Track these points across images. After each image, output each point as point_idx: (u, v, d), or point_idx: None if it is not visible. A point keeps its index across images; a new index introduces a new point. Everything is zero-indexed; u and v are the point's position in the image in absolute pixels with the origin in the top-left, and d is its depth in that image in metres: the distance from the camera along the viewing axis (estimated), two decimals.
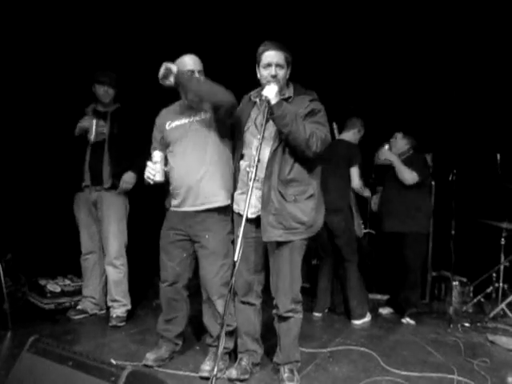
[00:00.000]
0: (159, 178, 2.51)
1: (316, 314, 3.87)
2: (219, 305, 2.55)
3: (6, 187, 3.74)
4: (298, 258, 2.42)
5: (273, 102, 2.22)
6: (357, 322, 3.71)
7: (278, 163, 2.33)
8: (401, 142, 3.91)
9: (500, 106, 4.33)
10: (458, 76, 4.40)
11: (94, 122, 3.24)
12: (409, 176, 3.71)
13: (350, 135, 3.93)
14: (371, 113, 4.60)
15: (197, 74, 2.54)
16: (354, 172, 3.78)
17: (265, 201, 2.34)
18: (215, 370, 1.90)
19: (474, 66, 4.30)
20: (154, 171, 2.49)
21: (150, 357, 2.62)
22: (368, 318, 3.78)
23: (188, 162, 2.54)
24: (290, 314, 2.42)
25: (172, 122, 2.63)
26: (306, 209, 2.37)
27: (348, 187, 3.81)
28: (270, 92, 2.23)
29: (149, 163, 2.53)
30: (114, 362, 2.00)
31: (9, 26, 3.70)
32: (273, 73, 2.32)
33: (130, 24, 4.22)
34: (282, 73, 2.34)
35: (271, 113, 2.24)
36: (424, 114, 4.52)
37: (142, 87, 4.00)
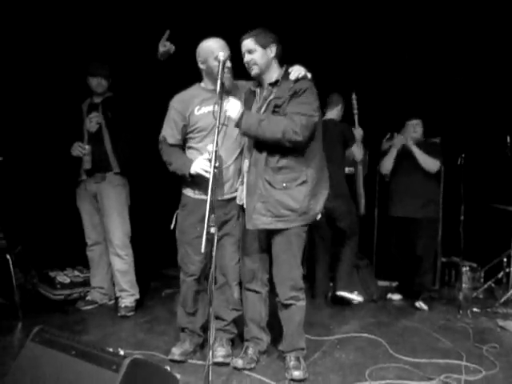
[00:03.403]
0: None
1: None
2: (236, 290, 2.60)
3: (14, 181, 3.78)
4: (295, 246, 2.38)
5: (233, 119, 2.27)
6: (340, 293, 3.73)
7: (266, 150, 2.30)
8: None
9: (509, 86, 4.23)
10: (465, 57, 4.30)
11: (87, 148, 3.29)
12: (434, 165, 3.73)
13: (336, 113, 3.84)
14: (377, 98, 4.54)
15: (228, 64, 2.41)
16: (355, 149, 3.76)
17: (251, 188, 2.33)
18: (210, 357, 1.90)
19: (482, 46, 4.20)
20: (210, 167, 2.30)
21: (176, 351, 2.58)
22: (350, 295, 3.77)
23: (229, 148, 2.49)
24: (290, 302, 2.41)
25: (201, 107, 2.49)
26: (297, 195, 2.30)
27: (343, 170, 3.79)
28: (232, 110, 2.27)
29: (204, 158, 2.37)
30: (121, 351, 2.02)
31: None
32: (245, 60, 2.36)
33: (122, 14, 4.18)
34: (254, 56, 2.33)
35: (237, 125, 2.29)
36: (431, 97, 4.44)
37: (135, 75, 3.99)
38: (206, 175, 2.31)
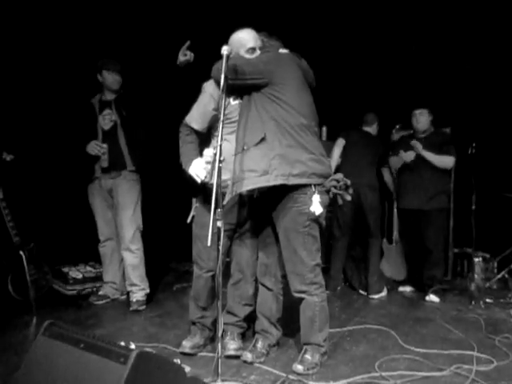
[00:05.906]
0: (209, 179, 2.29)
1: (327, 292, 3.88)
2: (252, 286, 2.62)
3: (26, 178, 3.83)
4: (294, 242, 2.33)
5: None
6: (375, 297, 3.80)
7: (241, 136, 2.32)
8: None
9: None
10: (475, 46, 4.23)
11: (104, 147, 3.31)
12: (448, 162, 3.72)
13: (374, 129, 4.09)
14: (388, 87, 4.49)
15: (258, 51, 2.39)
16: (386, 172, 4.19)
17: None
18: (218, 350, 1.91)
19: (492, 34, 4.12)
20: (205, 171, 2.28)
21: (187, 344, 2.58)
22: (385, 292, 3.87)
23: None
24: (301, 296, 2.40)
25: (238, 97, 2.42)
26: (254, 156, 2.23)
27: (374, 166, 4.06)
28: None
29: (200, 161, 2.32)
30: (132, 344, 2.04)
31: (10, 20, 3.74)
32: None
33: (129, 13, 4.20)
34: None
35: None
36: (441, 87, 4.38)
37: (144, 74, 4.01)
38: (197, 180, 2.32)
